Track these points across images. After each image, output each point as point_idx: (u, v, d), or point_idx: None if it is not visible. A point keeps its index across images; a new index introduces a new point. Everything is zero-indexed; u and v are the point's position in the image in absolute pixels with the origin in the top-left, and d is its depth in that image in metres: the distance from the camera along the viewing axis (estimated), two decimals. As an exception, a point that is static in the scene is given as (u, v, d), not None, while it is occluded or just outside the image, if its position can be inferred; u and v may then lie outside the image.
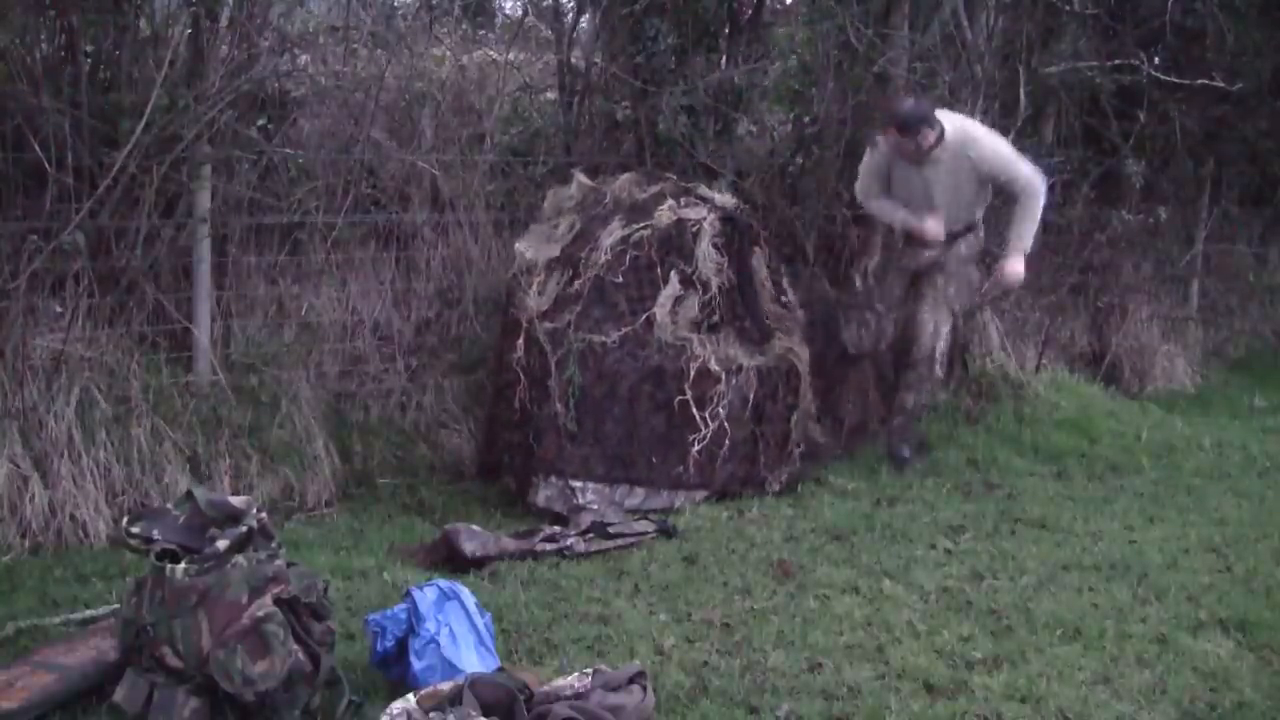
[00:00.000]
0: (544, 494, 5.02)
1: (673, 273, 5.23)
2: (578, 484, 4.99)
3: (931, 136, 5.38)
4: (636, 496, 5.05)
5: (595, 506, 4.92)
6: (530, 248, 5.34)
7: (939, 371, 5.72)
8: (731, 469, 5.17)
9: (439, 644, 3.20)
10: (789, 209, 6.35)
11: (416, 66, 6.17)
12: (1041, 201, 5.48)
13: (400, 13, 6.86)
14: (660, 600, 3.98)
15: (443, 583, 3.41)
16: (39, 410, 4.48)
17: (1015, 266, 5.51)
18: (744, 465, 5.21)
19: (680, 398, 5.04)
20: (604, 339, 5.03)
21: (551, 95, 6.76)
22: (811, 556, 4.46)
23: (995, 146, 5.54)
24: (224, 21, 4.99)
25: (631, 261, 5.20)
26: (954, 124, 5.50)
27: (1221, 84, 7.09)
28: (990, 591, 4.16)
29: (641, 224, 5.28)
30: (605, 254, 5.19)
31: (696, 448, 5.06)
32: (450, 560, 4.27)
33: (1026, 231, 5.49)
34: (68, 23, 4.86)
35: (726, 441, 5.11)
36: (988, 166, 5.49)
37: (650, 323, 5.13)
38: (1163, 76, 7.06)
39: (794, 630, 3.75)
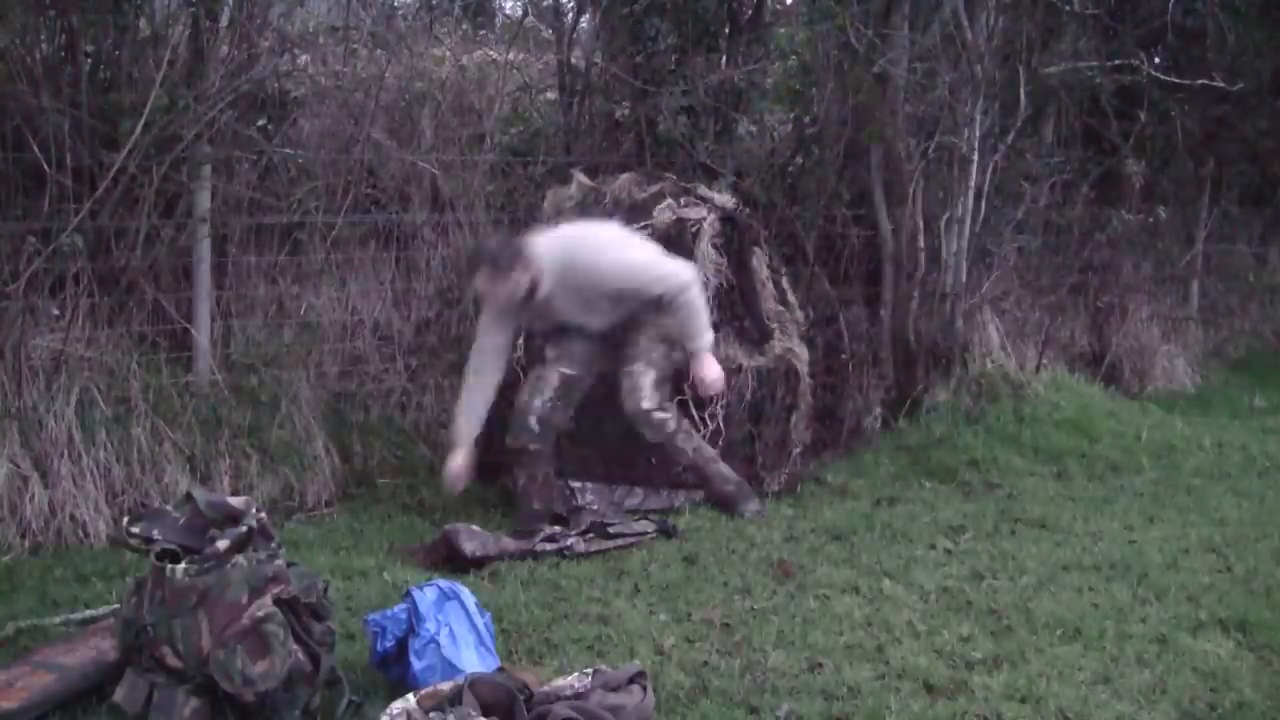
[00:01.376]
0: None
1: None
2: (576, 484, 4.99)
3: (525, 276, 4.54)
4: (636, 496, 5.04)
5: (595, 507, 4.92)
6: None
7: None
8: (729, 469, 5.16)
9: (439, 644, 3.20)
10: (789, 209, 6.36)
11: (416, 66, 6.18)
12: (693, 293, 4.66)
13: (400, 13, 6.87)
14: (660, 600, 3.98)
15: (443, 583, 3.40)
16: (39, 410, 4.48)
17: (705, 372, 4.75)
18: (742, 465, 5.20)
19: (679, 397, 5.04)
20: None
21: (551, 95, 6.76)
22: (811, 556, 4.45)
23: (611, 259, 4.67)
24: (224, 21, 5.00)
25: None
26: (552, 242, 4.67)
27: (1221, 84, 7.09)
28: (990, 591, 4.15)
29: (641, 224, 5.28)
30: (604, 254, 5.18)
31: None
32: (450, 560, 4.27)
33: (695, 331, 4.70)
34: (68, 23, 4.86)
35: (721, 442, 5.11)
36: (607, 284, 4.67)
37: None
38: (1163, 76, 7.06)
39: (794, 630, 3.75)
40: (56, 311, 4.70)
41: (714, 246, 5.32)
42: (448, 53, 6.55)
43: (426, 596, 3.30)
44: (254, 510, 3.17)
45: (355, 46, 6.04)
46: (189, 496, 3.20)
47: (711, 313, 5.27)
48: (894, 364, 6.35)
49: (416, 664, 3.19)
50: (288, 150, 5.47)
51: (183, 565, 2.99)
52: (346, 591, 3.93)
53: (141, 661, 3.01)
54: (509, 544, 4.38)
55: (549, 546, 4.40)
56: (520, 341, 5.11)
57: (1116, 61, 7.06)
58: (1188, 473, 5.93)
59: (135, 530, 3.13)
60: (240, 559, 3.02)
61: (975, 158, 6.33)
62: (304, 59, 5.95)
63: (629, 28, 6.22)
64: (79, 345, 4.67)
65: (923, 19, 6.41)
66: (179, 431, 4.74)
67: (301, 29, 6.12)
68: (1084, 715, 3.29)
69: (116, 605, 3.53)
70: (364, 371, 5.62)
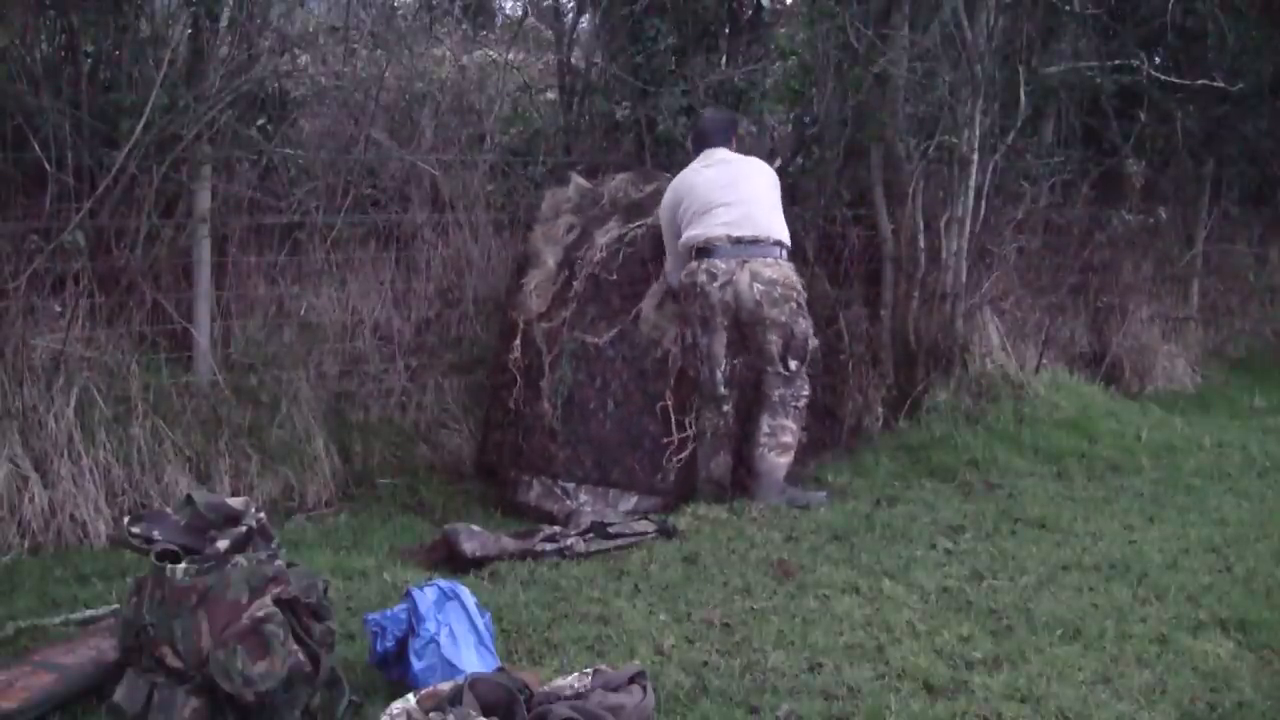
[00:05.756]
0: (533, 493, 5.02)
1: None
2: (569, 484, 5.00)
3: None
4: (629, 495, 5.03)
5: (586, 506, 4.92)
6: (549, 254, 5.33)
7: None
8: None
9: (439, 644, 3.20)
10: (789, 209, 6.34)
11: (416, 66, 6.18)
12: None
13: (400, 13, 6.87)
14: (660, 600, 3.98)
15: (443, 583, 3.40)
16: (39, 410, 4.49)
17: None
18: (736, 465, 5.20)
19: (661, 403, 5.03)
20: (596, 340, 5.03)
21: (551, 95, 6.77)
22: (811, 556, 4.45)
23: None
24: (224, 21, 5.00)
25: (626, 259, 5.20)
26: None
27: (1221, 84, 7.09)
28: (990, 591, 4.15)
29: (637, 223, 5.28)
30: (600, 252, 5.19)
31: (684, 450, 5.06)
32: (450, 560, 4.27)
33: None
34: (68, 23, 4.87)
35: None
36: None
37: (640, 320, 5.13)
38: (1163, 76, 7.06)
39: (794, 630, 3.75)
40: (59, 309, 4.70)
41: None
42: (448, 53, 6.55)
43: (426, 596, 3.30)
44: (254, 510, 3.17)
45: (355, 46, 6.04)
46: (189, 499, 3.20)
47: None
48: (894, 364, 6.35)
49: (416, 664, 3.19)
50: (288, 150, 5.47)
51: (183, 565, 2.99)
52: (346, 591, 3.93)
53: (141, 661, 3.01)
54: (509, 544, 4.37)
55: (549, 546, 4.40)
56: (517, 343, 5.12)
57: (1116, 61, 7.06)
58: (1188, 473, 5.92)
59: (136, 531, 3.13)
60: (240, 559, 3.02)
61: (975, 158, 6.32)
62: (304, 59, 5.95)
63: (629, 28, 6.22)
64: (79, 345, 4.68)
65: (923, 19, 6.40)
66: (179, 431, 4.74)
67: (301, 29, 6.12)
68: (1084, 715, 3.29)
69: (116, 605, 3.53)
70: (364, 371, 5.63)
